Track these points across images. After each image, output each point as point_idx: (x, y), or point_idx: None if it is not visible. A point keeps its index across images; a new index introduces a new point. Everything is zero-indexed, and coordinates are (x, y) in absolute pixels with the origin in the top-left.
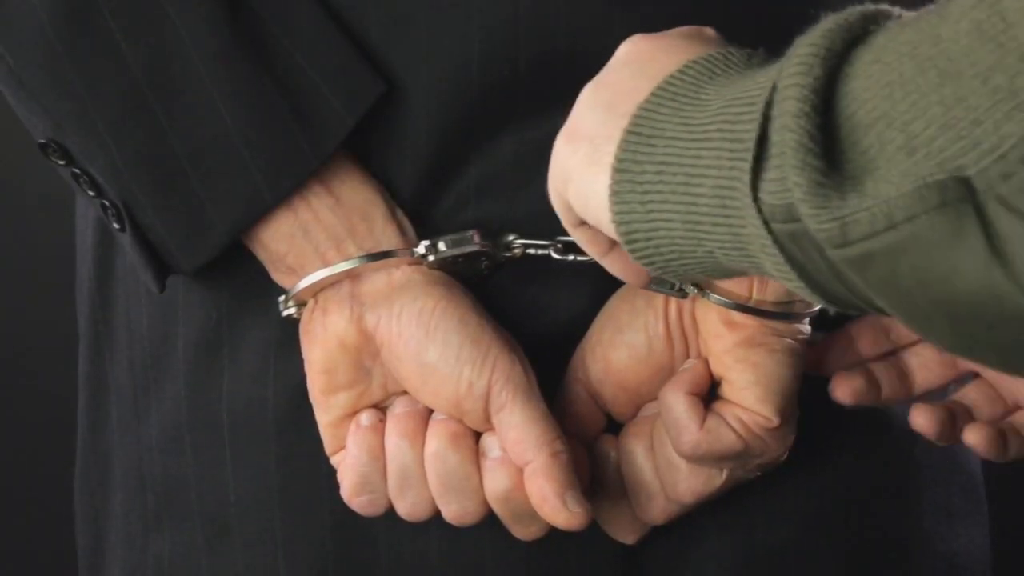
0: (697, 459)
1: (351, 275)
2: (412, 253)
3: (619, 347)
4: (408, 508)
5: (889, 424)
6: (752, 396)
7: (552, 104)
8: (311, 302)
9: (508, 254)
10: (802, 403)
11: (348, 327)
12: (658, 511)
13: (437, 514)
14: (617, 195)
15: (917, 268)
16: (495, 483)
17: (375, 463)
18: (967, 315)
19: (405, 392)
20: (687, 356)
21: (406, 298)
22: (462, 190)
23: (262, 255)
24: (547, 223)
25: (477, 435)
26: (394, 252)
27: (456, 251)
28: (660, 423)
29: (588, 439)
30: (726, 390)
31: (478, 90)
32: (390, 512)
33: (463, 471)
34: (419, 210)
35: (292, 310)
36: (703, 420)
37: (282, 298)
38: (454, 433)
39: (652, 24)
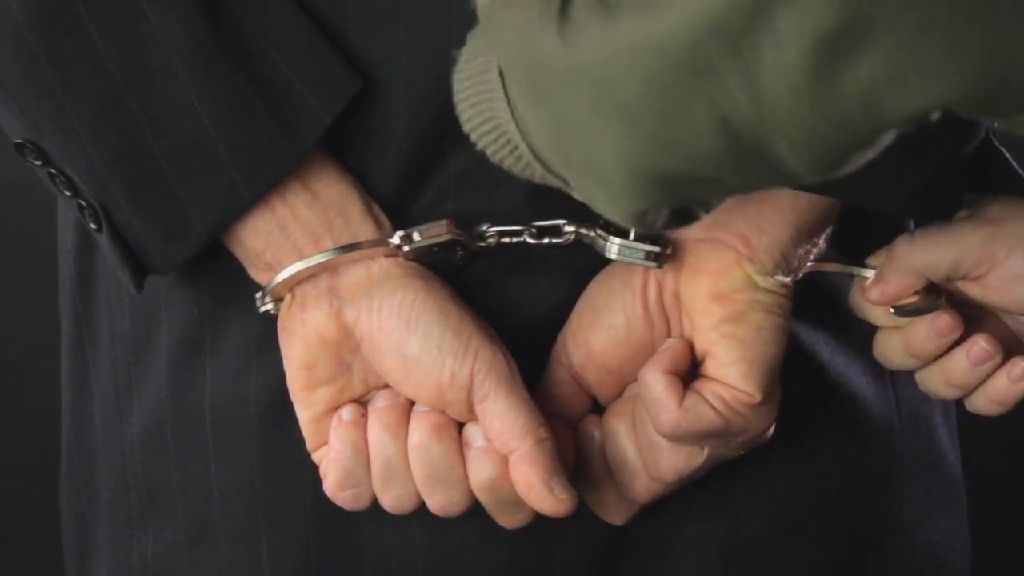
0: (677, 438)
1: (329, 269)
2: (387, 243)
3: (599, 330)
4: (393, 501)
5: (869, 415)
6: (735, 372)
7: None
8: (288, 297)
9: (483, 243)
10: (783, 391)
11: (327, 322)
12: (641, 490)
13: (421, 505)
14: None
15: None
16: (480, 472)
17: (359, 457)
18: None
19: (386, 386)
20: (668, 335)
21: (385, 291)
22: (442, 184)
23: (239, 252)
24: (527, 215)
25: (460, 425)
26: (369, 242)
27: (430, 240)
28: (641, 403)
29: (573, 421)
30: (709, 366)
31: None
32: (373, 505)
33: (447, 461)
34: (399, 205)
35: (269, 306)
36: (682, 398)
37: (259, 294)
38: (437, 424)
39: None
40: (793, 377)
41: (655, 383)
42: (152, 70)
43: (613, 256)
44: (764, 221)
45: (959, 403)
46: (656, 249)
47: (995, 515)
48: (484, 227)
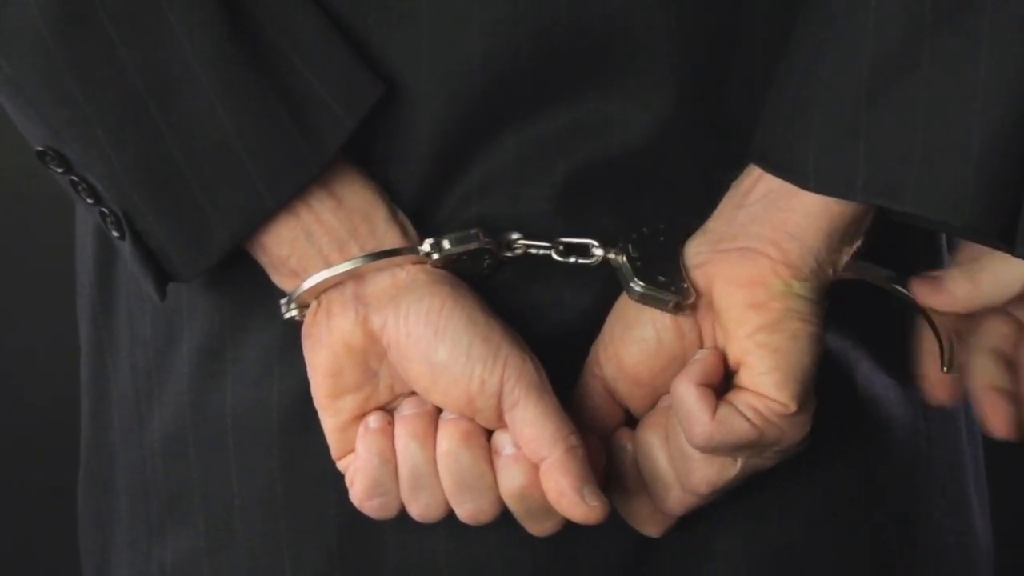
0: (710, 450)
1: (355, 276)
2: (417, 251)
3: (629, 343)
4: (421, 509)
5: (895, 417)
6: (770, 381)
7: (553, 100)
8: (314, 304)
9: (510, 253)
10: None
11: (354, 329)
12: (675, 502)
13: (448, 514)
14: None
15: None
16: (510, 480)
17: (386, 466)
18: None
19: (413, 393)
20: (700, 345)
21: (412, 298)
22: (465, 188)
23: (263, 259)
24: (549, 221)
25: (487, 433)
26: (399, 251)
27: (460, 248)
28: (673, 415)
29: (606, 433)
30: (743, 376)
31: (480, 88)
32: (398, 514)
33: (477, 469)
34: (423, 209)
35: (294, 312)
36: (715, 410)
37: (284, 300)
38: (466, 432)
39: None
40: (819, 381)
41: (687, 395)
42: (174, 76)
43: (635, 299)
44: (794, 227)
45: None
46: (678, 298)
47: (1007, 511)
48: (513, 236)
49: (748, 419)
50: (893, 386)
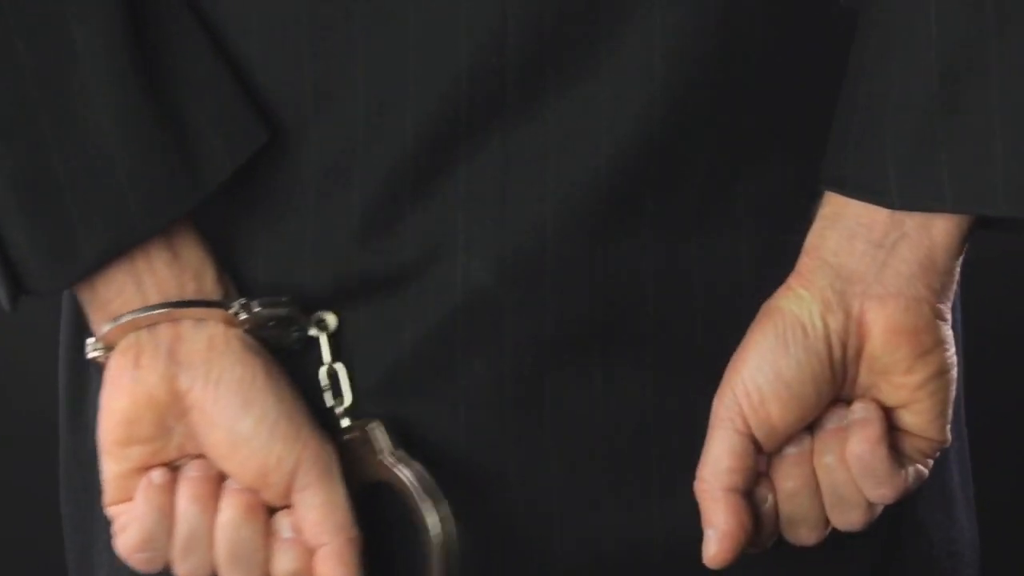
0: (892, 500)
1: (174, 335)
2: (226, 307)
3: (787, 400)
4: (188, 571)
5: None
6: (938, 426)
7: (538, 112)
8: (123, 346)
9: (320, 331)
10: None
11: (160, 383)
12: (862, 517)
13: None
14: None
15: None
16: (284, 563)
17: (163, 522)
18: None
19: (200, 456)
20: (844, 377)
21: (225, 363)
22: (452, 192)
23: (86, 296)
24: (539, 234)
25: (268, 510)
26: (209, 302)
27: (268, 312)
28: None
29: (748, 488)
30: (909, 421)
31: (466, 99)
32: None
33: (253, 544)
34: (407, 214)
35: (99, 353)
36: (898, 467)
37: (91, 340)
38: (249, 505)
39: (640, 28)
40: None
41: (878, 460)
42: (70, 89)
43: None
44: (939, 263)
45: (965, 396)
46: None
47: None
48: (324, 316)
49: (921, 463)
50: None
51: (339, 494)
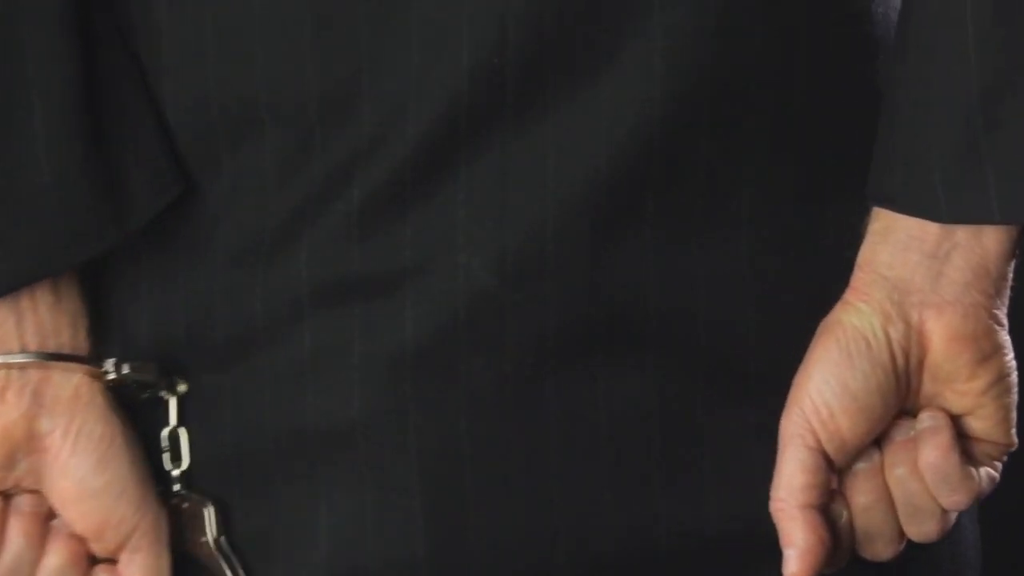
0: (966, 505)
1: (40, 371)
2: (101, 364)
3: (855, 413)
4: None
5: None
6: (1004, 429)
7: (538, 113)
8: None
9: (171, 394)
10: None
11: (19, 420)
12: (937, 526)
13: None
14: None
15: None
16: None
17: None
18: None
19: (36, 491)
20: (909, 387)
21: (89, 418)
22: (452, 193)
23: None
24: (540, 234)
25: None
26: (82, 358)
27: (137, 376)
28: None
29: (824, 503)
30: (976, 427)
31: (467, 100)
32: None
33: None
34: (406, 215)
35: None
36: (970, 472)
37: None
38: (77, 554)
39: (640, 30)
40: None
41: (950, 467)
42: (16, 118)
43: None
44: (992, 269)
45: None
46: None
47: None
48: (175, 379)
49: (993, 468)
50: None
51: (165, 561)
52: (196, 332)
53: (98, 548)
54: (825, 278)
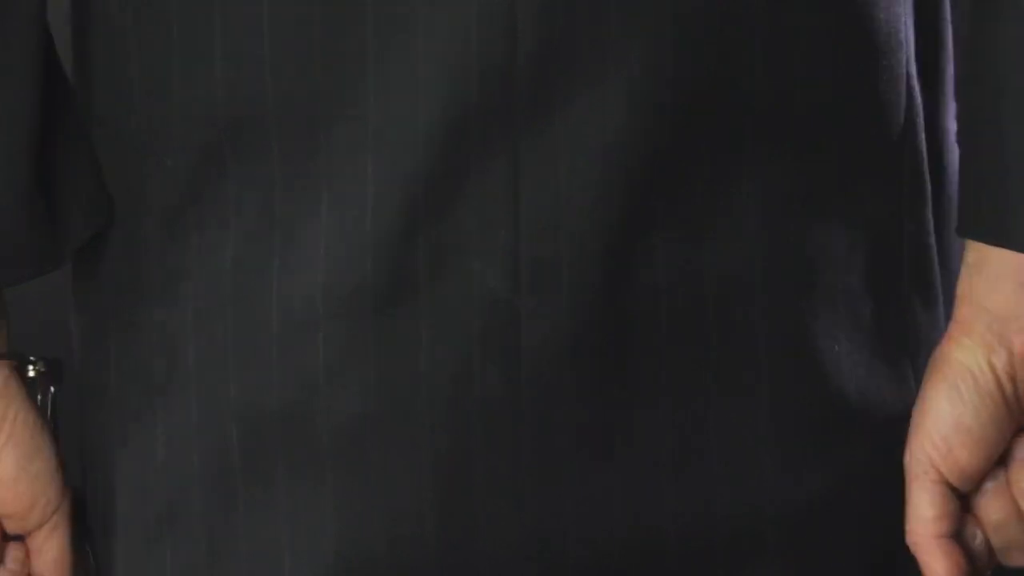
0: None
1: None
2: (28, 361)
3: (971, 446)
4: None
5: (885, 414)
6: None
7: (548, 118)
8: None
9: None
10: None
11: None
12: None
13: None
14: None
15: None
16: None
17: None
18: None
19: None
20: (1021, 409)
21: (20, 406)
22: (462, 204)
23: None
24: (553, 240)
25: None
26: (13, 354)
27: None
28: None
29: (956, 531)
30: None
31: (476, 105)
32: None
33: None
34: (416, 227)
35: None
36: None
37: None
38: None
39: (651, 37)
40: (803, 377)
41: None
42: None
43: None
44: None
45: None
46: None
47: None
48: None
49: None
50: (883, 377)
51: (71, 541)
52: (204, 335)
53: (16, 527)
54: (832, 276)
